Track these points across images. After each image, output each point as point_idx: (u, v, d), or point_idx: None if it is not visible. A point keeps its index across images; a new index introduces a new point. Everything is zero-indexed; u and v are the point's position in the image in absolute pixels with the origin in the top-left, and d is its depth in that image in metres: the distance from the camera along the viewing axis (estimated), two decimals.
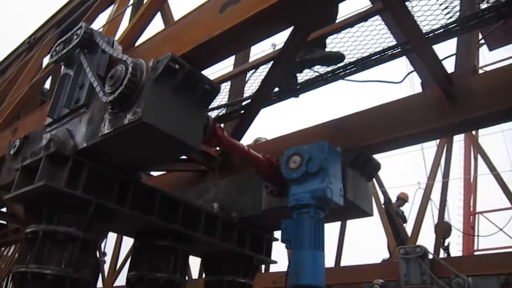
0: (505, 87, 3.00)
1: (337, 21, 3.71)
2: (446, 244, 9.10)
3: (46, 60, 6.13)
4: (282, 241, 2.87)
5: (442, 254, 8.72)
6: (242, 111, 4.12)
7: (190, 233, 3.09)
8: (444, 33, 3.24)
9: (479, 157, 11.01)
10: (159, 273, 2.97)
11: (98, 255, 9.81)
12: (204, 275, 3.73)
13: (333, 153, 2.94)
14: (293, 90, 3.92)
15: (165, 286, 2.96)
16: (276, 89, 4.05)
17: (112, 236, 10.05)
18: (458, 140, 12.37)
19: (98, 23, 5.88)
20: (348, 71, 3.82)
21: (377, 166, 3.29)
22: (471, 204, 12.98)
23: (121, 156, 2.69)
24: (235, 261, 3.48)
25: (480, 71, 4.46)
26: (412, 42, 3.15)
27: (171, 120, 2.42)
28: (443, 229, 8.21)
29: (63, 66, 3.13)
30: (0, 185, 3.16)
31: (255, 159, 3.07)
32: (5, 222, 7.04)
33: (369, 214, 3.23)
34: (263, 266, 8.44)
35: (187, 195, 3.64)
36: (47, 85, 6.58)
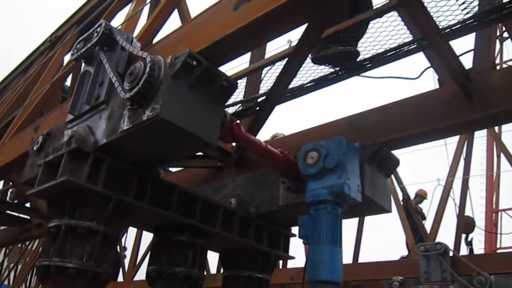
0: None
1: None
2: (469, 239, 8.96)
3: (67, 58, 6.25)
4: (300, 236, 2.87)
5: (464, 250, 8.61)
6: (257, 108, 4.13)
7: (208, 228, 3.12)
8: (461, 29, 3.20)
9: (502, 154, 10.80)
10: (177, 267, 3.01)
11: (118, 249, 9.98)
12: (222, 270, 3.76)
13: (351, 149, 2.93)
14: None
15: (184, 280, 3.00)
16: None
17: (132, 231, 10.21)
18: (480, 136, 12.12)
19: (117, 21, 5.96)
20: (364, 67, 3.81)
21: (396, 162, 3.26)
22: (494, 201, 12.73)
23: (140, 152, 2.73)
24: (252, 256, 3.50)
25: (504, 66, 4.37)
26: (428, 38, 3.11)
27: (188, 116, 2.44)
28: (465, 224, 8.09)
29: (83, 64, 3.18)
30: (24, 180, 3.25)
31: (272, 155, 3.08)
32: (28, 217, 7.21)
33: (387, 210, 3.21)
34: (280, 262, 8.45)
35: (204, 191, 3.67)
36: (68, 82, 6.72)
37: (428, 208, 9.47)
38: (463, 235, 8.45)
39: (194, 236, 3.12)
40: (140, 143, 2.62)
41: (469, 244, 8.90)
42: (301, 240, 2.87)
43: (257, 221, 3.47)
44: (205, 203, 3.18)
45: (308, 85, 4.20)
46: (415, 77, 3.87)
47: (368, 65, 3.79)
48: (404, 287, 5.48)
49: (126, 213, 2.81)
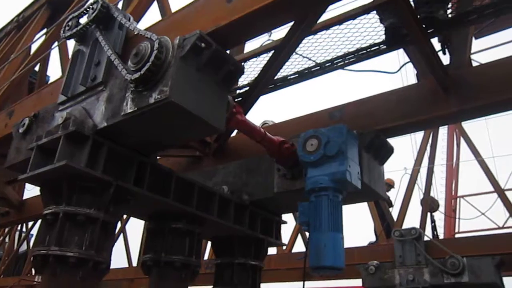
0: (499, 80, 3.10)
1: (340, 13, 3.75)
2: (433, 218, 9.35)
3: (35, 45, 5.96)
4: (300, 223, 2.89)
5: (428, 228, 8.97)
6: (240, 99, 4.09)
7: (204, 216, 3.07)
8: (442, 27, 3.32)
9: (463, 143, 11.30)
10: (175, 255, 2.95)
11: None
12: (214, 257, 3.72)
13: (350, 136, 2.96)
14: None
15: (182, 268, 2.95)
16: None
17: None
18: (442, 127, 12.61)
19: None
20: (347, 61, 3.88)
21: (390, 150, 3.33)
22: (453, 188, 13.34)
23: (142, 137, 2.64)
24: (246, 243, 3.49)
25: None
26: (412, 35, 3.19)
27: (196, 99, 2.37)
28: (430, 202, 8.48)
29: (75, 43, 3.02)
30: (9, 164, 3.06)
31: (271, 142, 3.06)
32: None
33: (382, 197, 3.27)
34: None
35: (194, 178, 3.60)
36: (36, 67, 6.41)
37: (395, 196, 9.79)
38: (429, 214, 8.81)
39: (191, 223, 3.06)
40: (144, 127, 2.53)
41: (432, 221, 9.28)
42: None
43: (251, 208, 3.45)
44: (201, 190, 3.12)
45: (292, 77, 4.24)
46: (394, 71, 3.99)
47: (352, 59, 3.86)
48: (380, 271, 5.64)
49: (124, 200, 2.71)
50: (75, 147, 2.54)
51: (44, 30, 6.21)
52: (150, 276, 3.02)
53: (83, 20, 2.97)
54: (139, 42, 2.62)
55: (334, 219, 2.74)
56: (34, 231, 11.31)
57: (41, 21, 6.14)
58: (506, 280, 5.35)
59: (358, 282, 6.73)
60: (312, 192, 2.85)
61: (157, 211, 3.04)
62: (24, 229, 11.66)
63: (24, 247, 11.66)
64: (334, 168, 2.82)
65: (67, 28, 2.97)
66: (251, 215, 3.45)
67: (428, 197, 8.57)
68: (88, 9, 2.92)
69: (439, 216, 11.68)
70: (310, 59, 4.13)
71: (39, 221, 11.00)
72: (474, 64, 3.92)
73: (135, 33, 2.64)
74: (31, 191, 10.38)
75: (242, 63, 4.43)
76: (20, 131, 3.04)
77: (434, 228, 9.40)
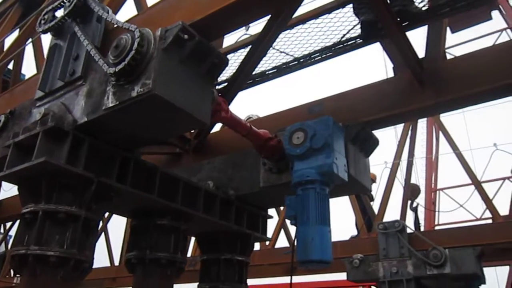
0: (473, 72, 3.14)
1: (316, 7, 3.76)
2: (414, 205, 9.43)
3: (8, 40, 5.79)
4: (287, 217, 2.86)
5: (409, 216, 9.07)
6: (219, 94, 4.04)
7: (190, 212, 3.01)
8: (417, 21, 3.35)
9: (442, 137, 11.48)
10: (160, 252, 2.89)
11: None
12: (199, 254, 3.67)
13: (337, 129, 2.94)
14: None
15: (167, 265, 2.89)
16: None
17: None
18: (421, 121, 12.79)
19: None
20: (324, 55, 3.88)
21: (376, 142, 3.33)
22: (433, 181, 13.55)
23: (123, 131, 2.56)
24: (232, 239, 3.44)
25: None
26: (386, 28, 3.22)
27: (180, 93, 2.31)
28: (411, 189, 8.59)
29: (52, 37, 2.92)
30: None
31: (256, 135, 3.02)
32: None
33: (368, 189, 3.27)
34: None
35: (178, 173, 3.54)
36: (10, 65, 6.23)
37: (376, 190, 9.87)
38: (409, 201, 8.89)
39: (176, 219, 3.01)
40: (126, 121, 2.45)
41: (414, 210, 9.36)
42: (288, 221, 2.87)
43: (237, 203, 3.41)
44: (186, 186, 3.07)
45: (270, 72, 4.23)
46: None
47: (329, 54, 3.86)
48: (364, 264, 5.68)
49: (106, 197, 2.64)
50: (54, 144, 2.45)
51: (17, 29, 6.06)
52: (134, 274, 2.95)
53: (59, 13, 2.88)
54: (119, 34, 2.55)
55: (321, 212, 2.72)
56: (13, 232, 11.05)
57: (13, 18, 5.99)
58: (486, 270, 5.47)
59: (342, 275, 6.80)
60: (299, 185, 2.82)
61: (141, 207, 2.98)
62: (1, 230, 11.37)
63: (2, 248, 11.37)
64: (320, 160, 2.80)
65: (42, 21, 2.87)
66: (237, 210, 3.41)
67: (409, 183, 8.66)
68: (64, 2, 2.82)
69: (420, 209, 11.91)
70: (287, 54, 4.11)
71: (18, 222, 10.76)
72: (451, 57, 3.98)
73: (115, 25, 2.56)
74: (8, 191, 10.17)
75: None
76: None
77: (416, 218, 9.50)
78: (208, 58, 2.44)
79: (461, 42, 12.52)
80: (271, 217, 3.80)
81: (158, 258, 2.87)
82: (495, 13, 10.31)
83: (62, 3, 2.84)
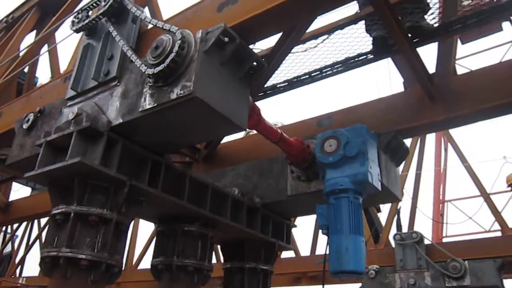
0: (483, 88, 3.15)
1: (328, 23, 3.81)
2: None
3: (25, 42, 5.78)
4: (319, 226, 2.80)
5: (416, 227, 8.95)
6: None
7: (218, 219, 2.95)
8: (428, 37, 3.39)
9: (450, 147, 11.42)
10: (187, 259, 2.82)
11: None
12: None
13: (370, 137, 2.88)
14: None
15: (194, 272, 2.82)
16: None
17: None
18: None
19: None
20: (335, 70, 3.90)
21: (406, 151, 3.27)
22: (441, 192, 13.44)
23: (158, 134, 2.51)
24: (257, 247, 3.38)
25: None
26: (398, 44, 3.22)
27: (219, 96, 2.26)
28: None
29: (84, 36, 2.89)
30: (11, 161, 2.90)
31: (288, 142, 2.96)
32: None
33: (399, 198, 3.21)
34: None
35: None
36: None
37: None
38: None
39: (204, 226, 2.95)
40: (162, 124, 2.40)
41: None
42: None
43: (262, 211, 3.35)
44: (214, 192, 3.01)
45: (281, 85, 4.24)
46: None
47: (340, 68, 3.87)
48: (380, 276, 5.58)
49: (137, 200, 2.58)
50: (88, 144, 2.40)
51: (34, 32, 6.05)
52: (160, 281, 2.88)
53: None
54: (155, 36, 2.51)
55: (355, 222, 2.66)
56: (19, 233, 11.01)
57: (30, 22, 5.96)
58: (507, 283, 5.38)
59: (354, 286, 6.69)
60: (332, 194, 2.76)
61: (169, 212, 2.91)
62: (9, 230, 11.33)
63: (8, 248, 11.33)
64: (355, 169, 2.75)
65: (76, 21, 2.84)
66: (263, 218, 3.35)
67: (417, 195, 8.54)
68: (99, 2, 2.79)
69: (426, 221, 11.79)
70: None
71: (24, 223, 10.70)
72: (460, 68, 3.98)
73: (152, 25, 2.51)
74: (17, 192, 10.14)
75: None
76: (24, 127, 2.89)
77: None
78: (247, 62, 2.40)
79: (471, 54, 12.50)
80: (295, 226, 3.73)
81: (186, 265, 2.81)
82: (506, 24, 10.30)
83: (96, 3, 2.80)
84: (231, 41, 2.28)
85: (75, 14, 2.87)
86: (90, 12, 2.87)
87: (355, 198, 2.72)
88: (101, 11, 2.69)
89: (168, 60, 2.18)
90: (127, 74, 2.53)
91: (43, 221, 10.41)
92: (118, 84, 2.54)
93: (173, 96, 2.18)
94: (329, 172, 2.84)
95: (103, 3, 2.71)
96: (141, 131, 2.47)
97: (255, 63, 2.43)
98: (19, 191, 10.16)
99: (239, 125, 2.37)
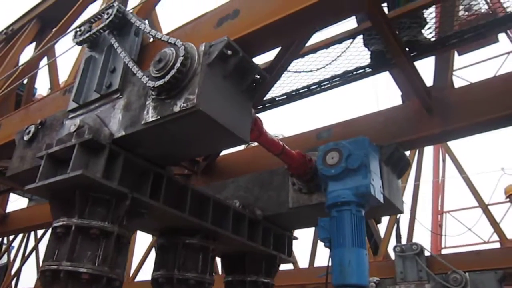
0: (481, 101, 3.19)
1: (326, 37, 3.88)
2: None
3: (23, 56, 5.79)
4: (321, 239, 2.78)
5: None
6: None
7: (219, 231, 2.93)
8: (426, 51, 3.47)
9: (448, 158, 11.46)
10: (189, 273, 2.80)
11: None
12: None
13: (372, 149, 2.89)
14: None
15: (196, 286, 2.79)
16: None
17: None
18: None
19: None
20: (334, 83, 3.94)
21: (408, 164, 3.28)
22: (439, 203, 13.45)
23: (160, 147, 2.50)
24: (258, 260, 3.36)
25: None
26: (396, 58, 3.26)
27: (222, 109, 2.26)
28: None
29: (86, 49, 2.89)
30: (11, 173, 2.88)
31: (290, 155, 2.96)
32: None
33: (400, 211, 3.21)
34: None
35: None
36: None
37: None
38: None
39: (205, 239, 2.93)
40: (164, 137, 2.39)
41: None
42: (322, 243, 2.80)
43: (264, 224, 3.33)
44: (216, 204, 2.99)
45: (280, 98, 4.27)
46: None
47: (338, 82, 3.90)
48: None
49: (138, 213, 2.57)
50: (90, 157, 2.39)
51: (33, 44, 6.08)
52: None
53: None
54: (157, 49, 2.52)
55: (357, 235, 2.65)
56: (15, 244, 10.92)
57: (30, 34, 6.00)
58: None
59: None
60: (334, 206, 2.76)
61: (170, 225, 2.89)
62: (5, 241, 11.23)
63: (4, 259, 11.22)
64: (357, 181, 2.74)
65: (78, 33, 2.84)
66: (264, 231, 3.33)
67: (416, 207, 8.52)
68: (101, 14, 2.80)
69: (425, 232, 11.75)
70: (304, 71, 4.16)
71: (21, 234, 10.59)
72: (457, 79, 4.03)
73: (156, 38, 2.52)
74: (14, 202, 10.07)
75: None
76: (25, 138, 2.88)
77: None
78: (249, 75, 2.40)
79: (467, 65, 12.62)
80: (296, 238, 3.71)
81: (187, 279, 2.78)
82: (502, 35, 10.41)
83: (99, 16, 2.81)
84: (234, 54, 2.29)
85: (78, 26, 2.87)
86: (92, 25, 2.87)
87: (357, 210, 2.71)
88: (103, 24, 2.70)
89: (171, 73, 2.18)
90: (130, 87, 2.53)
91: (40, 232, 10.34)
92: (121, 96, 2.54)
93: (176, 109, 2.18)
94: (331, 184, 2.84)
95: (105, 16, 2.72)
96: (144, 144, 2.46)
97: (257, 76, 2.44)
98: (16, 202, 10.12)
99: (242, 138, 2.37)
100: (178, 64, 2.18)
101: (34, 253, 10.38)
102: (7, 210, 7.50)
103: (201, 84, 2.17)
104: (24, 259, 10.55)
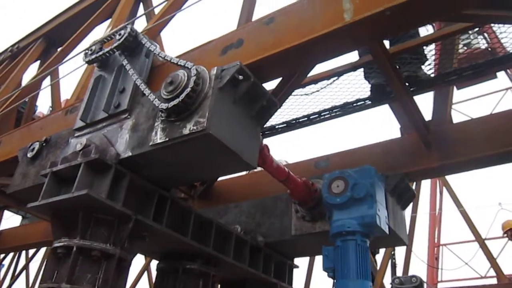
0: (479, 137, 3.22)
1: (328, 69, 3.90)
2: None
3: (26, 75, 5.82)
4: (325, 269, 2.73)
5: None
6: None
7: (221, 257, 2.88)
8: (425, 86, 3.52)
9: (445, 191, 11.44)
10: None
11: None
12: None
13: (378, 179, 2.87)
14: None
15: None
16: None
17: None
18: None
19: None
20: (334, 114, 3.96)
21: (413, 195, 3.25)
22: (436, 236, 13.33)
23: (167, 169, 2.47)
24: (258, 287, 3.28)
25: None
26: (395, 92, 3.31)
27: (232, 133, 2.25)
28: None
29: (96, 68, 2.90)
30: (12, 190, 2.84)
31: (294, 182, 2.94)
32: None
33: (405, 242, 3.16)
34: None
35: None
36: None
37: None
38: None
39: (206, 264, 2.87)
40: (172, 159, 2.37)
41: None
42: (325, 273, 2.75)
43: (265, 251, 3.28)
44: (219, 229, 2.95)
45: (280, 126, 4.29)
46: None
47: (338, 113, 3.93)
48: None
49: (140, 236, 2.52)
50: (95, 177, 2.36)
51: (38, 62, 6.11)
52: None
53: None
54: (167, 71, 2.53)
55: (362, 266, 2.61)
56: (6, 262, 10.70)
57: (35, 53, 6.03)
58: None
59: None
60: (339, 236, 2.72)
61: (171, 249, 2.84)
62: None
63: None
64: (362, 211, 2.71)
65: (89, 52, 2.86)
66: (265, 258, 3.27)
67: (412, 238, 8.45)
68: (113, 35, 2.82)
69: (421, 265, 11.63)
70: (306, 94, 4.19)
71: (11, 254, 10.38)
72: (455, 113, 4.05)
73: (166, 60, 2.53)
74: (8, 220, 9.91)
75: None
76: (29, 155, 2.85)
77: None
78: (259, 100, 2.40)
79: (466, 99, 12.79)
80: (297, 266, 3.65)
81: None
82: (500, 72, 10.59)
83: (111, 36, 2.83)
84: (245, 79, 2.30)
85: (89, 46, 2.89)
86: (103, 45, 2.89)
87: (362, 241, 2.67)
88: (115, 44, 2.71)
89: (183, 95, 2.18)
90: (138, 108, 2.52)
91: (31, 251, 10.16)
92: (129, 117, 2.53)
93: (186, 131, 2.17)
94: (336, 213, 2.81)
95: (117, 37, 2.74)
96: (150, 165, 2.43)
97: (267, 102, 2.44)
98: (10, 219, 9.96)
99: (249, 163, 2.35)
100: (190, 87, 2.18)
101: (24, 272, 10.17)
102: (0, 228, 7.37)
103: (212, 108, 2.16)
104: (14, 278, 10.33)
